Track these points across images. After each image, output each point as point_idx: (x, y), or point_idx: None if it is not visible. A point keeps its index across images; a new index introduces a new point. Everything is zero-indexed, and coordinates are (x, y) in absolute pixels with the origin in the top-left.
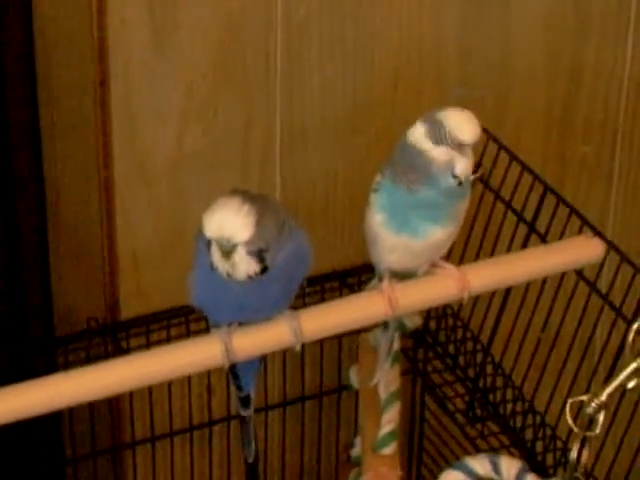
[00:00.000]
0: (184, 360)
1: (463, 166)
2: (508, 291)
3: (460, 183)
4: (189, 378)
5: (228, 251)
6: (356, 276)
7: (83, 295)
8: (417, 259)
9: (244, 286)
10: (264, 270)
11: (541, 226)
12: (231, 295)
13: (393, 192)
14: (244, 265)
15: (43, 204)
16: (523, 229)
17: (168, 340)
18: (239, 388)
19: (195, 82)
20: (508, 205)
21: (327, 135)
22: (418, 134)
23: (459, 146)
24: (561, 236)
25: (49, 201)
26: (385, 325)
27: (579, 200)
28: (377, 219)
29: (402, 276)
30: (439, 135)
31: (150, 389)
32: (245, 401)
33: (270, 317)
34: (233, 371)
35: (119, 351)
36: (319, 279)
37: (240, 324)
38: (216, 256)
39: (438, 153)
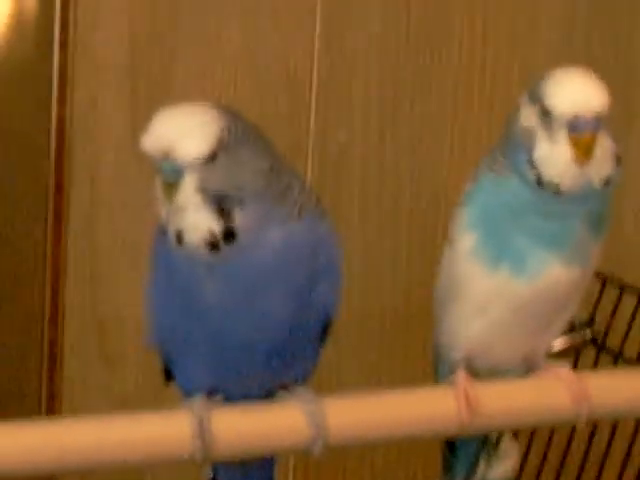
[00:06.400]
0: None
1: (546, 151)
2: None
3: (539, 181)
4: None
5: (170, 183)
6: None
7: None
8: (518, 327)
9: (221, 292)
10: (229, 235)
11: None
12: (203, 310)
13: (493, 194)
14: (193, 211)
15: None
16: None
17: None
18: None
19: None
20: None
21: None
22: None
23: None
24: None
25: None
26: (446, 466)
27: None
28: (464, 246)
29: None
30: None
31: None
32: None
33: (274, 392)
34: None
35: None
36: None
37: (226, 398)
38: (160, 197)
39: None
